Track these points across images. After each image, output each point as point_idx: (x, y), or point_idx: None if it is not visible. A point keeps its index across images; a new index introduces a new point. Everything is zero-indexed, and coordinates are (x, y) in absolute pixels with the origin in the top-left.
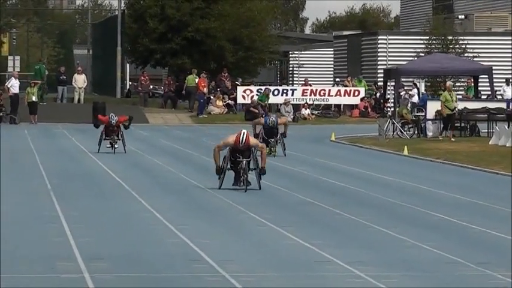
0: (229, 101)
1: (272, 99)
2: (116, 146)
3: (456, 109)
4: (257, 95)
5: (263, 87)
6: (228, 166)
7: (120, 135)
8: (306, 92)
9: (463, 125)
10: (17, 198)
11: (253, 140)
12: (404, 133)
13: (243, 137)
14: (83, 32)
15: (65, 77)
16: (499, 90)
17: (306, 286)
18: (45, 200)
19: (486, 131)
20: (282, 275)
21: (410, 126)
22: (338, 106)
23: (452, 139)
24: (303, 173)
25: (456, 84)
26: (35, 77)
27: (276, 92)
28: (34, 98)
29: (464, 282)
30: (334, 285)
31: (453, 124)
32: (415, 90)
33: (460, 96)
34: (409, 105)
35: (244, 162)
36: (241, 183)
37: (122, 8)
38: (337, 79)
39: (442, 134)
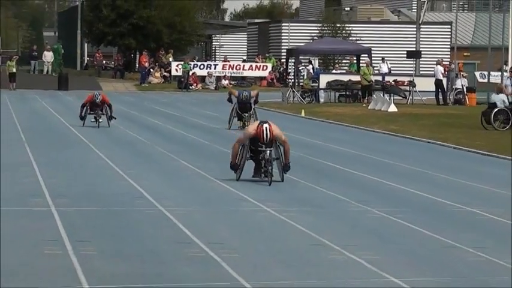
0: (165, 73)
1: (199, 72)
2: (100, 120)
3: (372, 82)
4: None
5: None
6: (248, 156)
7: (104, 110)
8: (225, 67)
9: (348, 93)
10: None
11: (276, 130)
12: (303, 100)
13: (266, 133)
14: (51, 18)
15: (36, 53)
16: (377, 66)
17: (226, 218)
18: (20, 149)
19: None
20: (207, 209)
21: (308, 94)
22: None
23: (365, 105)
24: (221, 129)
25: (343, 61)
26: (54, 55)
27: (202, 67)
28: (14, 69)
29: (347, 215)
30: (247, 217)
31: (370, 93)
32: (311, 66)
33: (344, 71)
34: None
35: (268, 152)
36: (263, 174)
37: (81, 0)
38: (244, 58)
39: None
